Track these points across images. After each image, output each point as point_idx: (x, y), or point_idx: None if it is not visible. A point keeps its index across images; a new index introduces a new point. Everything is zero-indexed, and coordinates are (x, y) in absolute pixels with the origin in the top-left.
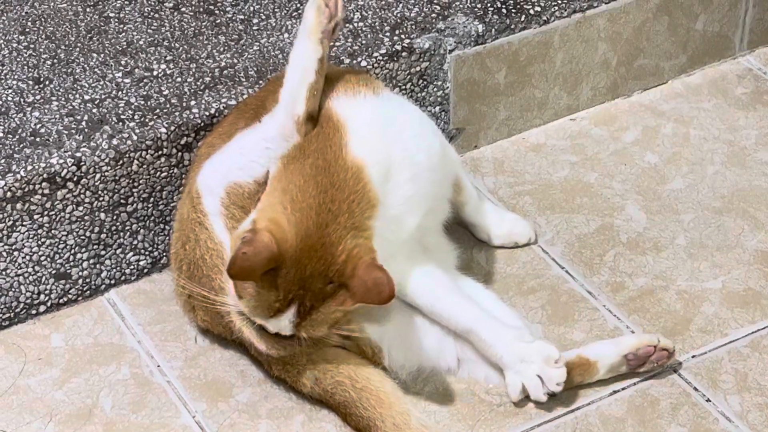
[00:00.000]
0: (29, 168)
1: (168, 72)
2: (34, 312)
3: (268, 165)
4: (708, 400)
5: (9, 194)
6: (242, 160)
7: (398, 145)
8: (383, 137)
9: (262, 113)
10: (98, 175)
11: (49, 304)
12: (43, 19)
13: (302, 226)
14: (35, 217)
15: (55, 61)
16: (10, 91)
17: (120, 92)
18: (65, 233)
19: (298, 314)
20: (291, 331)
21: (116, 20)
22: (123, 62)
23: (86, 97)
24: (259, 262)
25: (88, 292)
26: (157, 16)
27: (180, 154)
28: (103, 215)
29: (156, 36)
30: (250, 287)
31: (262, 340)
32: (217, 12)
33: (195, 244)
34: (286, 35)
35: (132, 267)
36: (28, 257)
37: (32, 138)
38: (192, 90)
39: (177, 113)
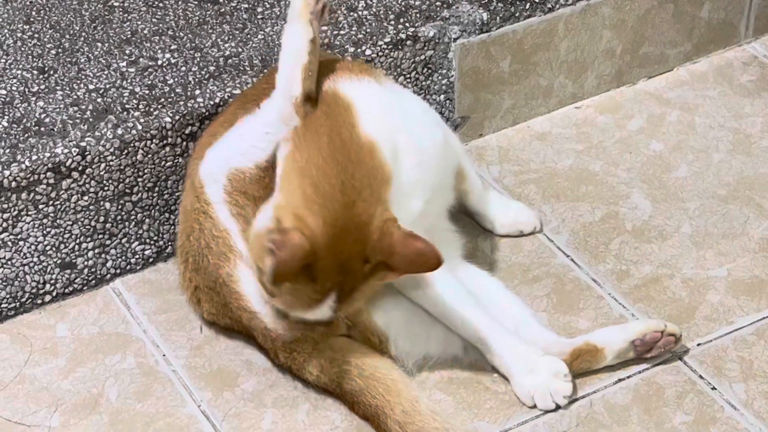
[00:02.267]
0: (34, 158)
1: (172, 61)
2: (39, 302)
3: (269, 149)
4: (713, 388)
5: (14, 184)
6: (243, 146)
7: (403, 130)
8: (389, 122)
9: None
10: (103, 165)
11: (54, 293)
12: (47, 9)
13: (329, 210)
14: (40, 206)
15: (60, 50)
16: (14, 80)
17: (124, 82)
18: (70, 223)
19: (337, 299)
20: (331, 317)
21: (120, 9)
22: (127, 51)
23: (91, 87)
24: (297, 264)
25: (94, 281)
26: (161, 5)
27: (185, 143)
28: (108, 205)
29: (160, 25)
30: (283, 285)
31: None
32: (221, 1)
33: (200, 233)
34: None
35: (137, 256)
36: (33, 247)
37: (37, 128)
38: (197, 79)
39: (182, 102)
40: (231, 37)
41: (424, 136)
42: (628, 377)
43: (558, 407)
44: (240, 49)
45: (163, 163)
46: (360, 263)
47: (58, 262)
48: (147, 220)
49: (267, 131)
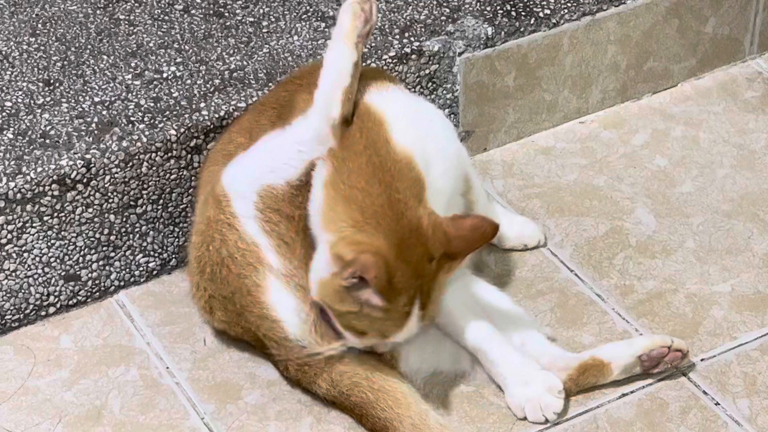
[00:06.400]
0: (39, 170)
1: (178, 74)
2: (43, 313)
3: (300, 167)
4: (717, 404)
5: (19, 196)
6: (273, 163)
7: (431, 138)
8: (419, 131)
9: (287, 112)
10: (108, 177)
11: (58, 305)
12: (53, 21)
13: (383, 227)
14: (45, 218)
15: (65, 63)
16: (20, 93)
17: (130, 94)
18: (75, 235)
19: (421, 306)
20: (420, 326)
21: (126, 22)
22: (133, 64)
23: (96, 99)
24: (386, 277)
25: (98, 293)
26: (166, 18)
27: (189, 156)
28: (112, 217)
29: (166, 38)
30: (373, 312)
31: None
32: (226, 14)
33: (221, 244)
34: (295, 37)
35: (141, 269)
36: (37, 259)
37: (42, 140)
38: (201, 92)
39: (186, 115)
40: (236, 50)
41: (449, 142)
42: (632, 392)
43: (547, 421)
44: (245, 63)
45: (168, 175)
46: (427, 263)
47: (63, 273)
48: (151, 232)
49: (300, 149)
